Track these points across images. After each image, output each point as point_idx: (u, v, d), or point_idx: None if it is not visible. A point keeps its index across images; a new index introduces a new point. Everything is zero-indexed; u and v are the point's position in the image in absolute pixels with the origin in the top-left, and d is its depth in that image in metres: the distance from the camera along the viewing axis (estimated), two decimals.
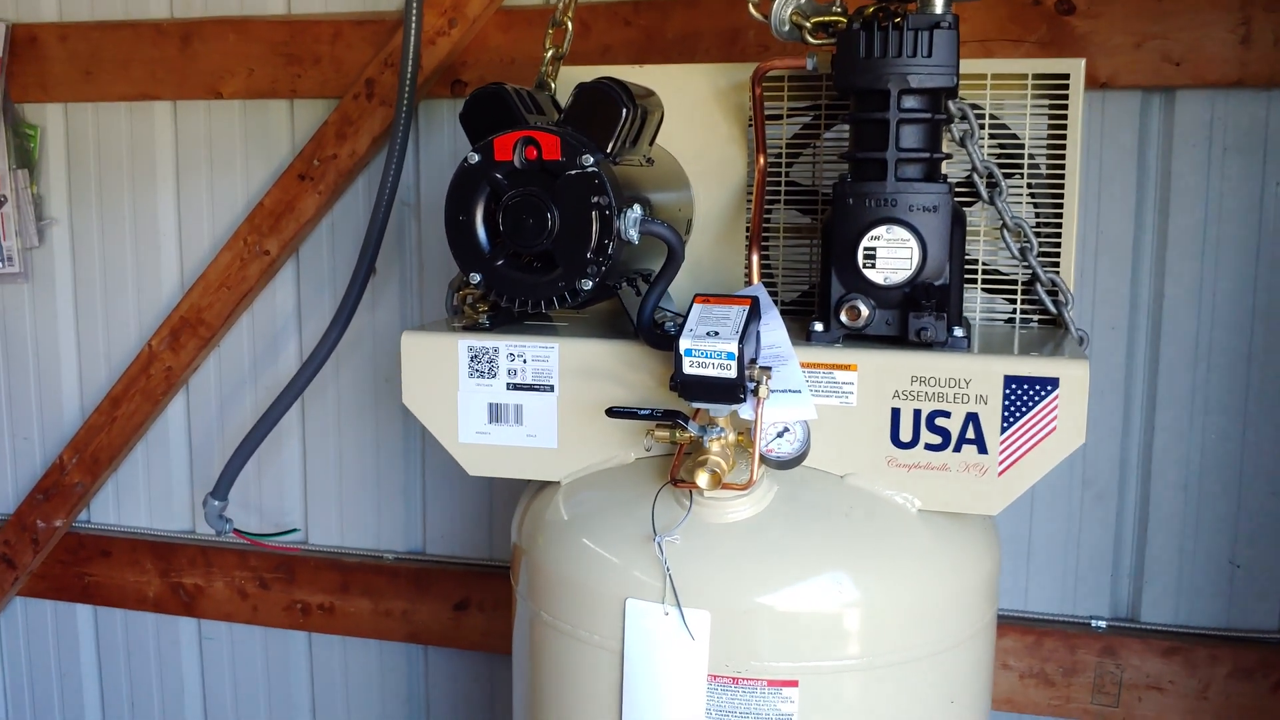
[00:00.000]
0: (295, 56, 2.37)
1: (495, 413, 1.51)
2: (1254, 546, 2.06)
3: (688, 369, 1.29)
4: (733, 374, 1.28)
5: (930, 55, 1.36)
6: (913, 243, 1.39)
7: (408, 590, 2.48)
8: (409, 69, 2.13)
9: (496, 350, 1.50)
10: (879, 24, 1.38)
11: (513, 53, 2.26)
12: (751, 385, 1.31)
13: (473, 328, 1.54)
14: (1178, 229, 2.03)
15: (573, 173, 1.36)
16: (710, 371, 1.28)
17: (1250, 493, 2.05)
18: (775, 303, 1.73)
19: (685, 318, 1.34)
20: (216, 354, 2.56)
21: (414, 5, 2.13)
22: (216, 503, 2.26)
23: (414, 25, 2.13)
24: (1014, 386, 1.36)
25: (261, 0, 2.41)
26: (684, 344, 1.29)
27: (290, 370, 2.48)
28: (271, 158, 2.45)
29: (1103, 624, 2.13)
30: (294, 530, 2.53)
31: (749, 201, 1.71)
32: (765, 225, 1.73)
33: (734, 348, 1.27)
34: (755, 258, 1.62)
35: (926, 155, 1.41)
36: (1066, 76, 1.60)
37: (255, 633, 2.64)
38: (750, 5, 1.56)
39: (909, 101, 1.39)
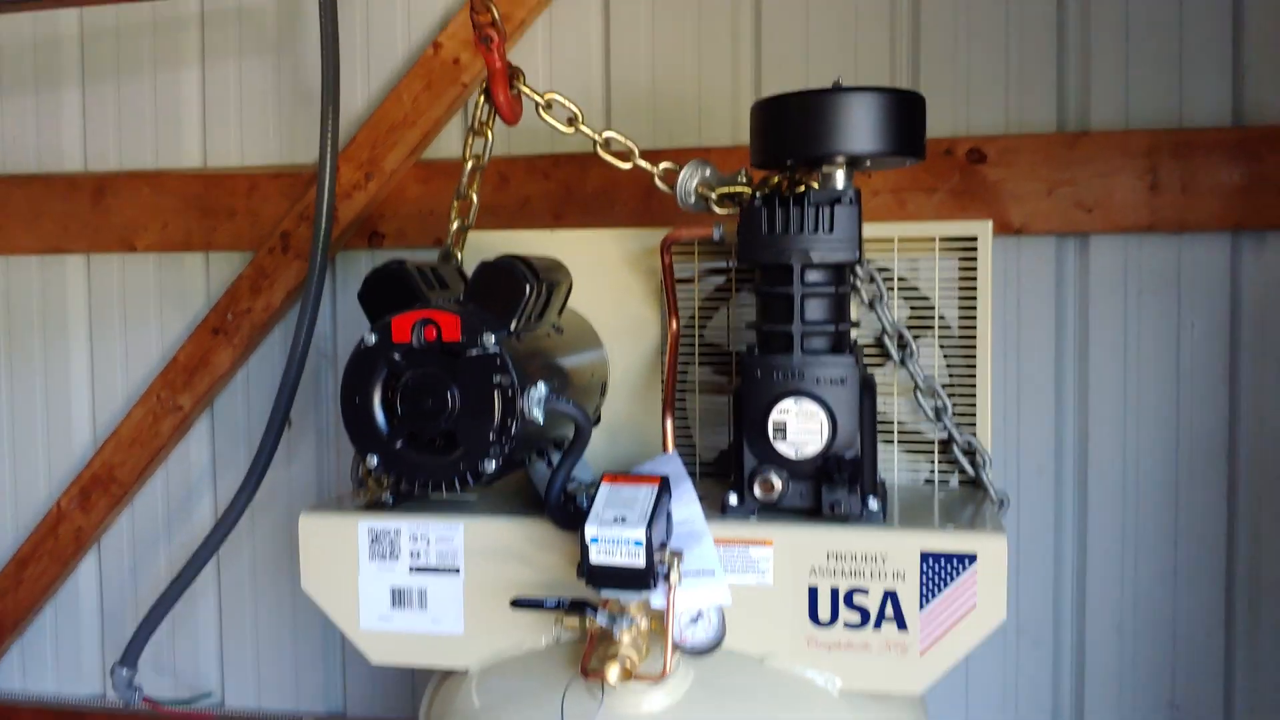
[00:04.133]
0: (210, 209, 2.34)
1: (398, 597, 1.45)
2: (1192, 687, 2.03)
3: (595, 558, 1.24)
4: (641, 562, 1.23)
5: (832, 230, 1.36)
6: (822, 416, 1.36)
7: None
8: (323, 225, 2.10)
9: (398, 532, 1.44)
10: (780, 200, 1.37)
11: (431, 204, 2.25)
12: (662, 570, 1.27)
13: (374, 505, 1.48)
14: (1098, 371, 2.04)
15: (474, 353, 1.32)
16: (618, 560, 1.24)
17: (1185, 632, 2.03)
18: (693, 464, 1.70)
19: (593, 497, 1.30)
20: (129, 511, 2.47)
21: (328, 160, 2.11)
22: (125, 671, 2.15)
23: (328, 180, 2.11)
24: (931, 562, 1.32)
25: (176, 153, 2.39)
26: (590, 531, 1.24)
27: (205, 526, 2.40)
28: (186, 310, 2.40)
29: None
30: (208, 694, 2.42)
31: (664, 361, 1.68)
32: (682, 383, 1.71)
33: (642, 534, 1.23)
34: (669, 423, 1.58)
35: (832, 328, 1.39)
36: (974, 239, 1.60)
37: None
38: (656, 178, 1.56)
39: (813, 275, 1.38)
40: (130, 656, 2.13)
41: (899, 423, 1.65)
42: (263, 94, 2.36)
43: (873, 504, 1.37)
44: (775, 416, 1.37)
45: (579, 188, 2.18)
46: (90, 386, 2.47)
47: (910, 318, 1.64)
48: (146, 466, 2.39)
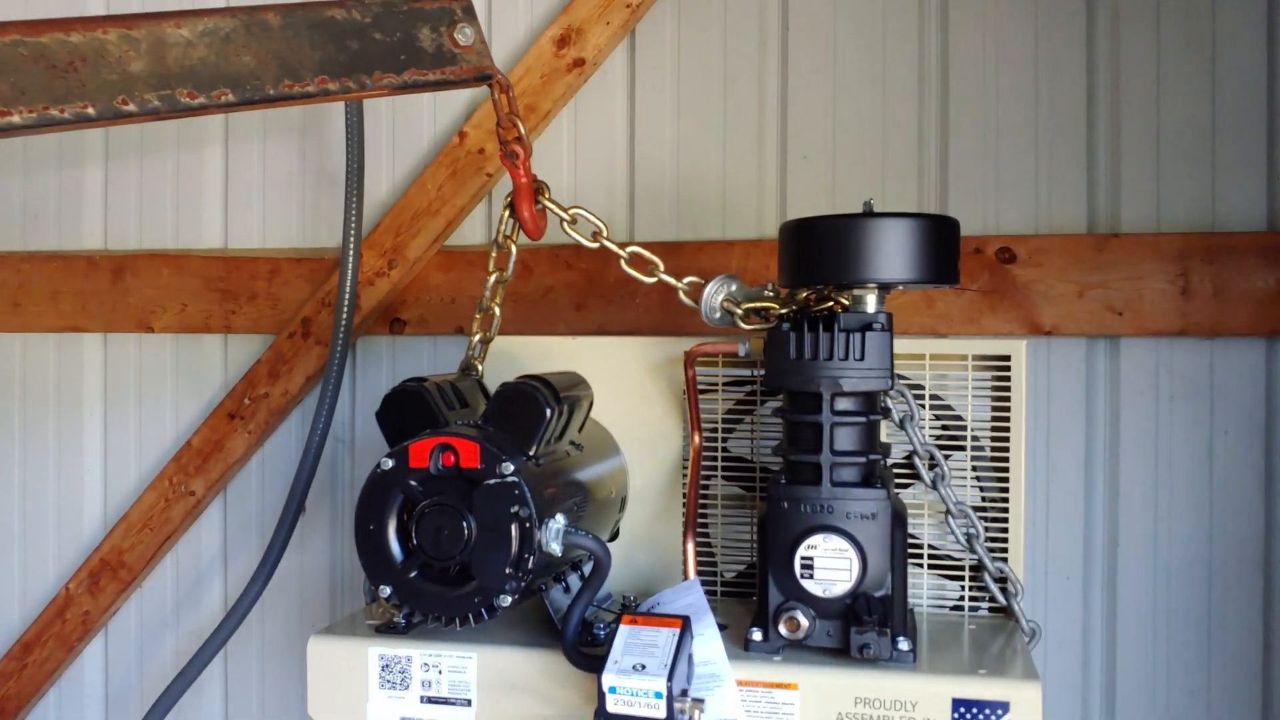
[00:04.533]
0: (230, 292, 2.32)
1: None
2: None
3: (612, 707, 1.19)
4: (661, 714, 1.18)
5: (863, 358, 1.32)
6: (851, 553, 1.31)
7: None
8: (344, 314, 2.08)
9: (410, 660, 1.40)
10: (809, 323, 1.33)
11: (453, 292, 2.22)
12: (684, 719, 1.22)
13: (386, 629, 1.44)
14: (1129, 476, 1.99)
15: (491, 482, 1.28)
16: (637, 711, 1.19)
17: None
18: (715, 582, 1.66)
19: (612, 635, 1.25)
20: (138, 596, 2.43)
21: (351, 247, 2.10)
22: None
23: (351, 267, 2.10)
24: (963, 710, 1.27)
25: (197, 234, 2.38)
26: (608, 680, 1.19)
27: (214, 613, 2.36)
28: (203, 393, 2.38)
29: None
30: None
31: (685, 474, 1.64)
32: (703, 497, 1.66)
33: (662, 685, 1.18)
34: (690, 547, 1.54)
35: (863, 459, 1.35)
36: (1007, 358, 1.56)
37: None
38: (680, 293, 1.53)
39: (843, 404, 1.34)
40: None
41: (929, 546, 1.60)
42: (286, 176, 2.34)
43: (903, 644, 1.32)
44: (803, 552, 1.32)
45: (601, 278, 2.15)
46: (103, 468, 2.45)
47: (940, 431, 1.59)
48: (156, 552, 2.35)
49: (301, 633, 2.34)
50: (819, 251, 1.33)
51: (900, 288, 1.38)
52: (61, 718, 2.49)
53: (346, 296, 2.09)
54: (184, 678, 2.13)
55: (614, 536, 1.66)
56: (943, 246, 1.33)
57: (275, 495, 2.33)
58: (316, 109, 2.32)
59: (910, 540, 1.56)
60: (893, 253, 1.30)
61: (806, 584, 1.32)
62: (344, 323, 2.10)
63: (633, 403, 1.68)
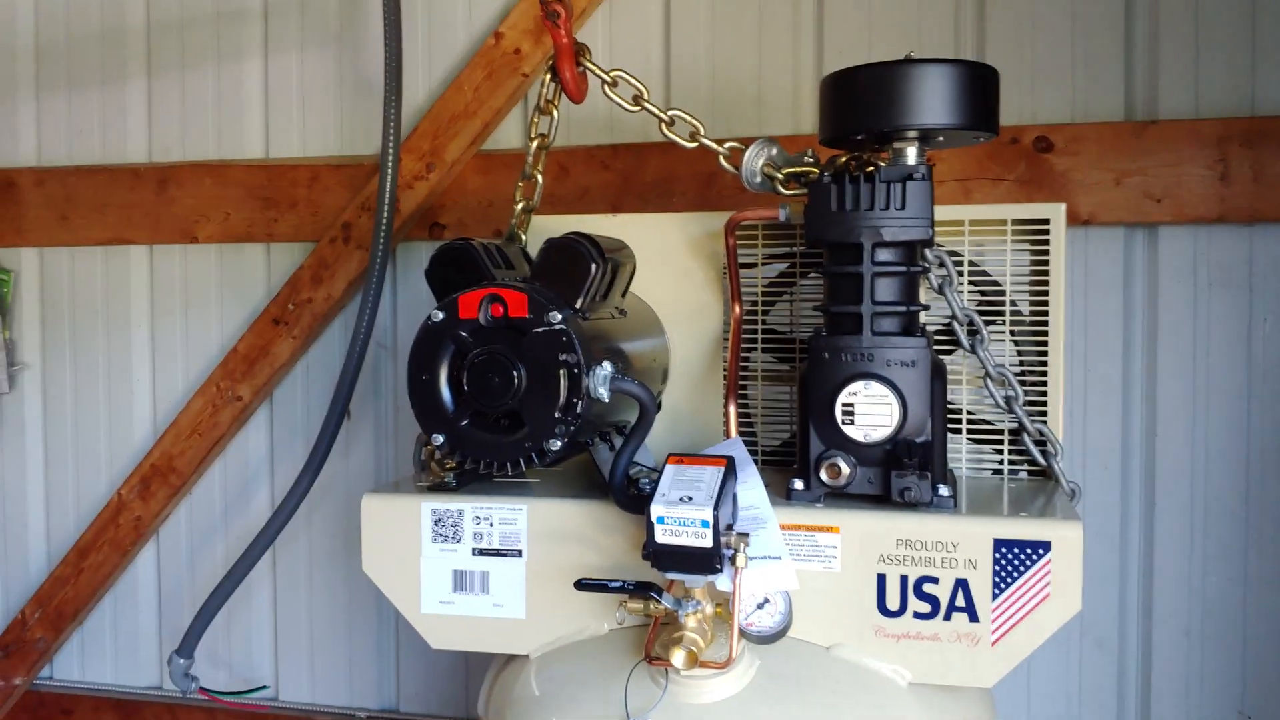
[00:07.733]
0: (272, 200, 2.36)
1: (460, 580, 1.44)
2: (1263, 695, 1.97)
3: (660, 538, 1.22)
4: (708, 543, 1.21)
5: (904, 207, 1.33)
6: (892, 399, 1.33)
7: None
8: (385, 215, 2.10)
9: (461, 513, 1.43)
10: (850, 176, 1.34)
11: (491, 195, 2.25)
12: (728, 553, 1.24)
13: (438, 487, 1.47)
14: (1167, 366, 1.99)
15: (540, 330, 1.31)
16: (684, 540, 1.21)
17: (1256, 637, 1.97)
18: (755, 453, 1.68)
19: (658, 479, 1.28)
20: (188, 502, 2.49)
21: (390, 151, 2.12)
22: (182, 661, 2.16)
23: (390, 170, 2.12)
24: (1004, 550, 1.29)
25: (239, 144, 2.41)
26: (656, 511, 1.22)
27: (262, 518, 2.41)
28: (247, 301, 2.42)
29: None
30: (263, 687, 2.42)
31: (726, 348, 1.66)
32: (744, 371, 1.69)
33: (709, 514, 1.21)
34: (732, 409, 1.56)
35: (903, 308, 1.36)
36: (1046, 221, 1.57)
37: None
38: (720, 158, 1.54)
39: (883, 254, 1.36)
40: (186, 646, 2.15)
41: (967, 412, 1.62)
42: (324, 85, 2.37)
43: (943, 490, 1.34)
44: (844, 399, 1.34)
45: (637, 178, 2.17)
46: (151, 377, 2.50)
47: (979, 304, 1.60)
48: (205, 457, 2.41)
49: (348, 538, 2.39)
50: (861, 99, 1.34)
51: (940, 139, 1.39)
52: (117, 620, 2.56)
53: (386, 198, 2.12)
54: (233, 575, 2.17)
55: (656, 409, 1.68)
56: (981, 92, 1.34)
57: (320, 400, 2.38)
58: (353, 18, 2.34)
59: (949, 406, 1.57)
60: (933, 97, 1.30)
61: (848, 429, 1.34)
62: (384, 225, 2.12)
63: (674, 279, 1.70)
